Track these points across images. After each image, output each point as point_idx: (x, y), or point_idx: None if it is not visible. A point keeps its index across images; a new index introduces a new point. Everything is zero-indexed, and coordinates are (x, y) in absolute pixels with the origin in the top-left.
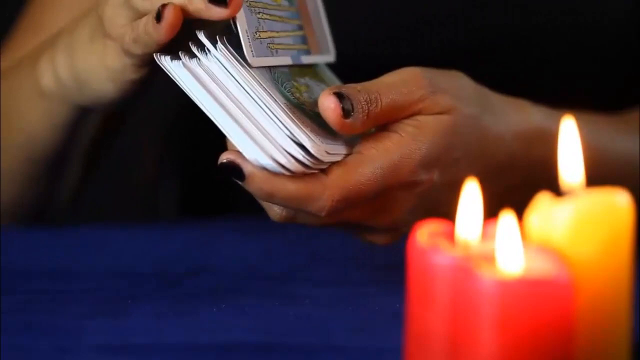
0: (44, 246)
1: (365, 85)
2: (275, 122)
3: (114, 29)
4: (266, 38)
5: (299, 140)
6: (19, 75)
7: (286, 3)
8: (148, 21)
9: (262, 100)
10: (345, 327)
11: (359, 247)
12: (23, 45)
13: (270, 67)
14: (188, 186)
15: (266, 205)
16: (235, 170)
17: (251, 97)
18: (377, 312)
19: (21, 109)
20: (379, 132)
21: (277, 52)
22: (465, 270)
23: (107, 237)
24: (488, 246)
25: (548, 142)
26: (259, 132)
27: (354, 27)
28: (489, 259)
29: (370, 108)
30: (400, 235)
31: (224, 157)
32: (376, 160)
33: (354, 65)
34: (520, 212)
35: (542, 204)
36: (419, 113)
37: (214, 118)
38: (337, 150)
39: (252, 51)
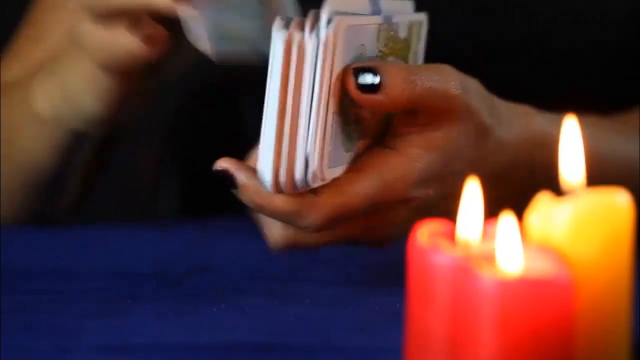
0: (44, 246)
1: (404, 66)
2: (306, 133)
3: (88, 45)
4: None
5: (309, 164)
6: (12, 100)
7: None
8: (125, 40)
9: (316, 103)
10: (345, 327)
11: (359, 247)
12: (24, 55)
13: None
14: (188, 186)
15: (267, 232)
16: (228, 179)
17: (311, 95)
18: (377, 312)
19: (17, 133)
20: (377, 147)
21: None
22: (465, 270)
23: (107, 237)
24: (488, 246)
25: (550, 148)
26: (284, 142)
27: None
28: (489, 259)
29: (408, 87)
30: (395, 241)
31: (219, 165)
32: (369, 179)
33: None
34: (520, 212)
35: (542, 204)
36: (450, 103)
37: (267, 104)
38: (335, 174)
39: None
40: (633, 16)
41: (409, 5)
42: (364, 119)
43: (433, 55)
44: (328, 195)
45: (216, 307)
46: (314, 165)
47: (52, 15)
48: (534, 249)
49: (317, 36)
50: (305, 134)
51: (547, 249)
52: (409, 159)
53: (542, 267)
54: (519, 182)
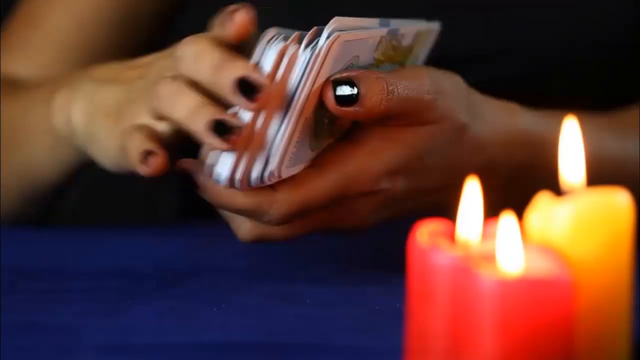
0: (44, 246)
1: (382, 75)
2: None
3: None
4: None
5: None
6: (34, 103)
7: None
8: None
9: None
10: (345, 327)
11: (359, 247)
12: (20, 39)
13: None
14: (188, 187)
15: (234, 227)
16: (190, 178)
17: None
18: (377, 312)
19: (29, 138)
20: (338, 142)
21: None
22: (465, 270)
23: (107, 237)
24: (488, 246)
25: (533, 148)
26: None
27: None
28: (489, 259)
29: (385, 99)
30: (368, 230)
31: (181, 164)
32: (329, 173)
33: None
34: (520, 212)
35: (542, 204)
36: (424, 110)
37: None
38: (293, 172)
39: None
40: (633, 16)
41: (432, 24)
42: (338, 121)
43: (433, 59)
44: (287, 191)
45: (216, 307)
46: (273, 165)
47: None
48: (534, 249)
49: (312, 50)
50: (273, 137)
51: (547, 249)
52: (371, 151)
53: (542, 267)
54: (494, 182)
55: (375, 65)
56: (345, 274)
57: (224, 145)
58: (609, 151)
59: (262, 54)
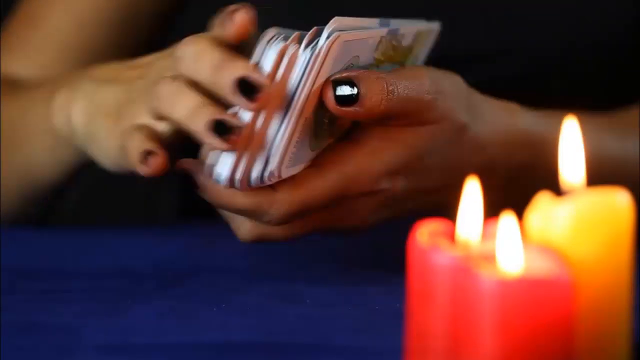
0: (44, 246)
1: (383, 75)
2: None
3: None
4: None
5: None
6: (34, 103)
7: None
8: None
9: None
10: (345, 327)
11: (359, 247)
12: (20, 39)
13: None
14: (188, 187)
15: (234, 227)
16: (190, 178)
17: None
18: (377, 312)
19: (29, 138)
20: (338, 142)
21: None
22: (465, 270)
23: (107, 237)
24: (488, 246)
25: (533, 147)
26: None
27: None
28: (489, 259)
29: (385, 99)
30: (368, 230)
31: (181, 164)
32: (329, 173)
33: None
34: (520, 212)
35: (542, 204)
36: (424, 110)
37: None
38: (293, 172)
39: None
40: (633, 16)
41: (432, 24)
42: (338, 121)
43: (433, 59)
44: (287, 191)
45: (216, 307)
46: (273, 165)
47: None
48: (534, 249)
49: (312, 50)
50: (273, 137)
51: (547, 249)
52: (371, 151)
53: (542, 267)
54: (494, 182)
55: (375, 65)
56: (345, 274)
57: (224, 145)
58: (609, 151)
59: (262, 54)
